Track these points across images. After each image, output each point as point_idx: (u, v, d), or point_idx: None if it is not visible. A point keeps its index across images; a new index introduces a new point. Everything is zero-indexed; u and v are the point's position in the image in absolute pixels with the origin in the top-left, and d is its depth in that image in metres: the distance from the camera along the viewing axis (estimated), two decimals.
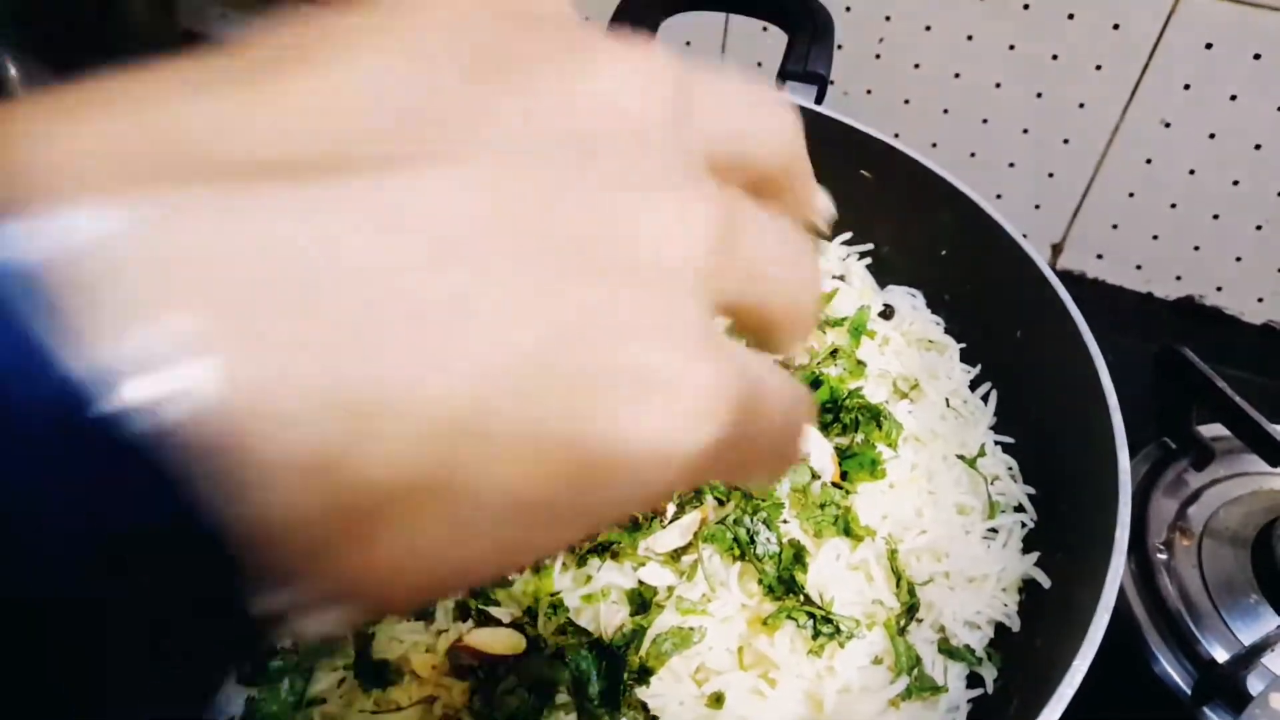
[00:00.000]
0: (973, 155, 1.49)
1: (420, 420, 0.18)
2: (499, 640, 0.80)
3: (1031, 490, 0.92)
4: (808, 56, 1.05)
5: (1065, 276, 1.53)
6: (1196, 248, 1.44)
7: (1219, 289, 1.47)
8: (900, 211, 1.06)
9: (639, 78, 0.25)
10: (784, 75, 1.08)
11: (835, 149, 1.08)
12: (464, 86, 0.22)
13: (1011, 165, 1.48)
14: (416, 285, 0.19)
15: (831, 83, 1.50)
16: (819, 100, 1.07)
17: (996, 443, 0.96)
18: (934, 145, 1.50)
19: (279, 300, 0.18)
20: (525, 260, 0.20)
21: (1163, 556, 1.03)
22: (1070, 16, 1.31)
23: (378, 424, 0.18)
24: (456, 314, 0.19)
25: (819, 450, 0.89)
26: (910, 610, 0.83)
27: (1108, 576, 0.68)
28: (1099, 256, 1.51)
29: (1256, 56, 1.25)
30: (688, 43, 1.54)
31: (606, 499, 0.22)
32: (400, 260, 0.19)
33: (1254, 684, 0.86)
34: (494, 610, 0.81)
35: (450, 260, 0.19)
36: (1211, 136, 1.34)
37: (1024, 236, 1.51)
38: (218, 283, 0.17)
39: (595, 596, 0.82)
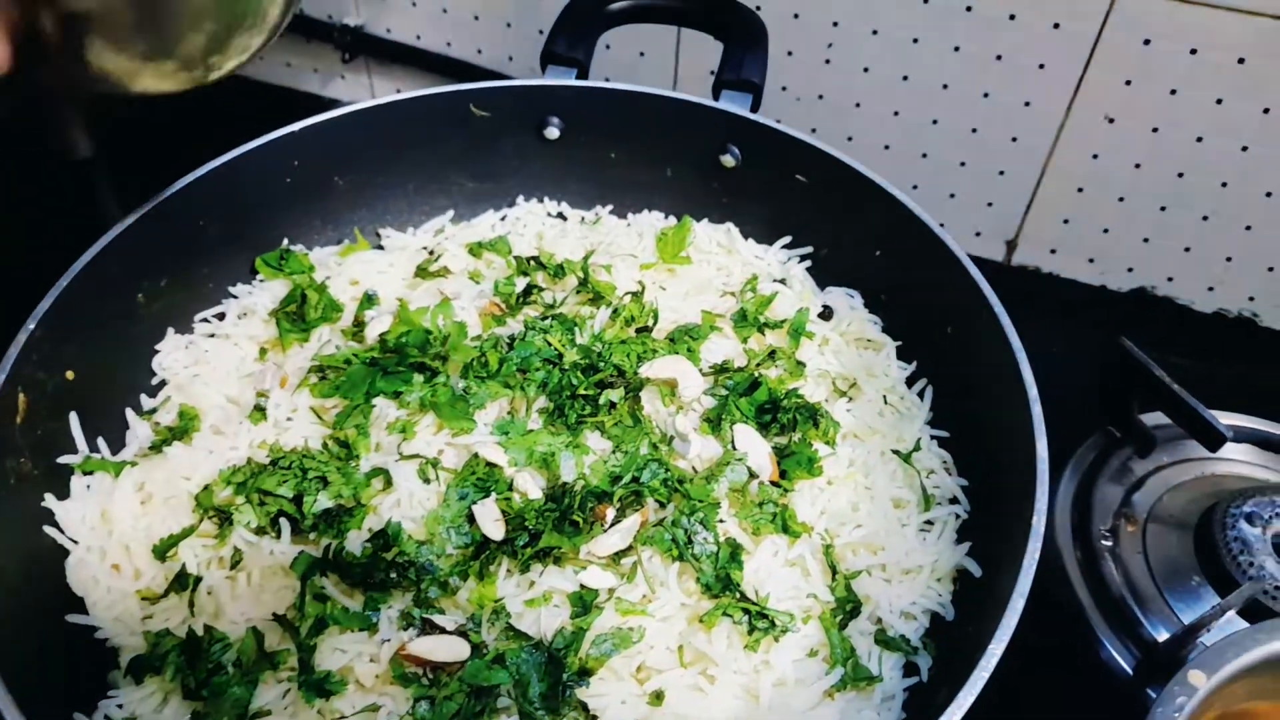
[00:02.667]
0: (924, 156, 1.51)
1: None
2: (442, 647, 0.81)
3: (965, 482, 0.94)
4: (741, 65, 1.07)
5: (1020, 272, 1.55)
6: (1146, 240, 1.46)
7: (1170, 279, 1.48)
8: (835, 213, 1.08)
9: None
10: (720, 84, 1.10)
11: (769, 155, 1.10)
12: None
13: (962, 164, 1.50)
14: None
15: (784, 89, 1.52)
16: (754, 108, 1.09)
17: (933, 437, 0.98)
18: (886, 147, 1.52)
19: None
20: None
21: (1108, 543, 1.05)
22: (1011, 17, 1.33)
23: None
24: None
25: (756, 450, 0.91)
26: (851, 609, 0.84)
27: (1024, 561, 0.69)
28: (1052, 251, 1.53)
29: (1193, 51, 1.27)
30: (641, 53, 1.56)
31: None
32: None
33: None
34: (438, 619, 0.82)
35: None
36: (1154, 130, 1.36)
37: (977, 234, 1.53)
38: None
39: (537, 601, 0.83)
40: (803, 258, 1.14)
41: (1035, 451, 0.76)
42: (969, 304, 0.91)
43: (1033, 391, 0.80)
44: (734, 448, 0.91)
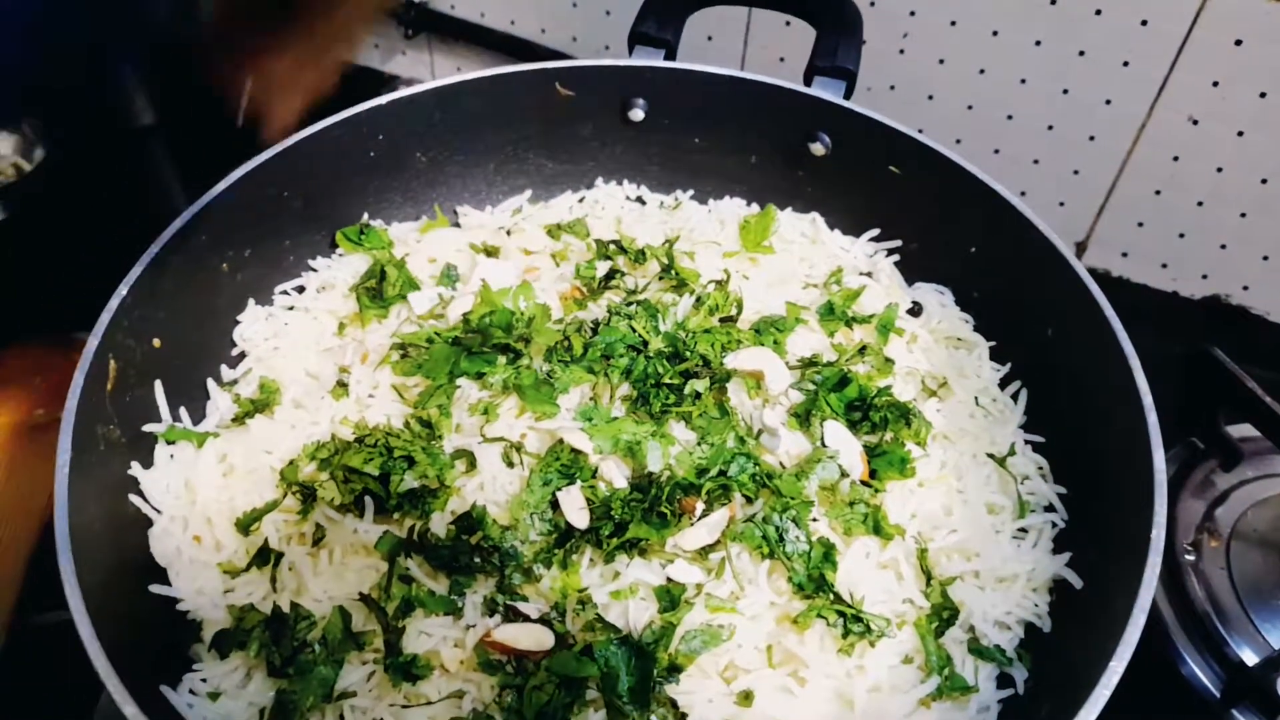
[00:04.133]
0: (996, 152, 1.48)
1: None
2: (528, 636, 0.80)
3: (1062, 490, 0.91)
4: (836, 52, 1.05)
5: (1089, 274, 1.52)
6: (1223, 246, 1.43)
7: (1246, 288, 1.45)
8: (929, 208, 1.05)
9: None
10: (812, 71, 1.07)
11: (864, 145, 1.07)
12: None
13: (1036, 162, 1.47)
14: None
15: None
16: (848, 95, 1.07)
17: (1027, 442, 0.95)
18: (958, 141, 1.49)
19: None
20: None
21: (1190, 558, 1.02)
22: (1098, 13, 1.30)
23: None
24: None
25: (848, 448, 0.89)
26: (948, 617, 0.82)
27: (1144, 578, 0.68)
28: (1124, 255, 1.50)
29: None
30: (709, 37, 1.53)
31: None
32: None
33: None
34: (522, 606, 0.81)
35: None
36: (1240, 134, 1.32)
37: None
38: None
39: (624, 593, 0.82)
40: (890, 251, 1.12)
41: (1151, 462, 0.74)
42: (1074, 307, 0.89)
43: (1148, 400, 0.78)
44: (824, 444, 0.89)
